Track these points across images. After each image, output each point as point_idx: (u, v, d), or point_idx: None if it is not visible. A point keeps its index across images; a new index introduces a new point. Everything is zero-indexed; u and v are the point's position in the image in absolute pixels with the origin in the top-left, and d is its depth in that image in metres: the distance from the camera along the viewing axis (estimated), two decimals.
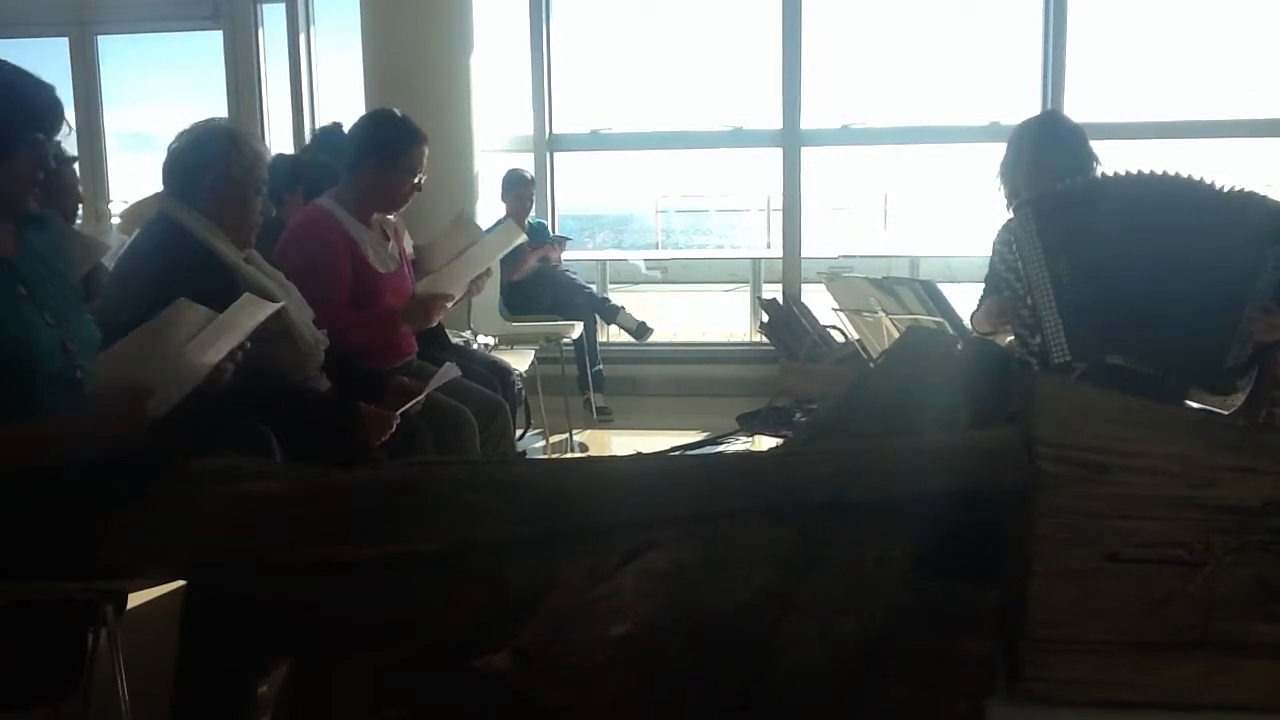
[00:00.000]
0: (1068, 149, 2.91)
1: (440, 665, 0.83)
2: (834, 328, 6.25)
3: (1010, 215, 2.87)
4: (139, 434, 1.92)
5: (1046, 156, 2.90)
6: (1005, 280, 2.85)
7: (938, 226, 14.56)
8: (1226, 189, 2.52)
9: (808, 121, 6.39)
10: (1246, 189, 2.53)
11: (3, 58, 1.98)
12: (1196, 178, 2.55)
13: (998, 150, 3.11)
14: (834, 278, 4.54)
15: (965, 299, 3.38)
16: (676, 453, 1.94)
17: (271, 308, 2.22)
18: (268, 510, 0.91)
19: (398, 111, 3.40)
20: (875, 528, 0.92)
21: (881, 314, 3.68)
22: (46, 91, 1.98)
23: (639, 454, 1.35)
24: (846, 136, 6.80)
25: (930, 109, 10.25)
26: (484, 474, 0.94)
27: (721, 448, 3.62)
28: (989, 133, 6.36)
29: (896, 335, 3.43)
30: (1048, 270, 2.57)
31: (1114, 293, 2.52)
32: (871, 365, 3.84)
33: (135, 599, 2.17)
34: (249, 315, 2.15)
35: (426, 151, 3.28)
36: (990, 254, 3.06)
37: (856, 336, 4.95)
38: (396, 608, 0.88)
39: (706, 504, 0.88)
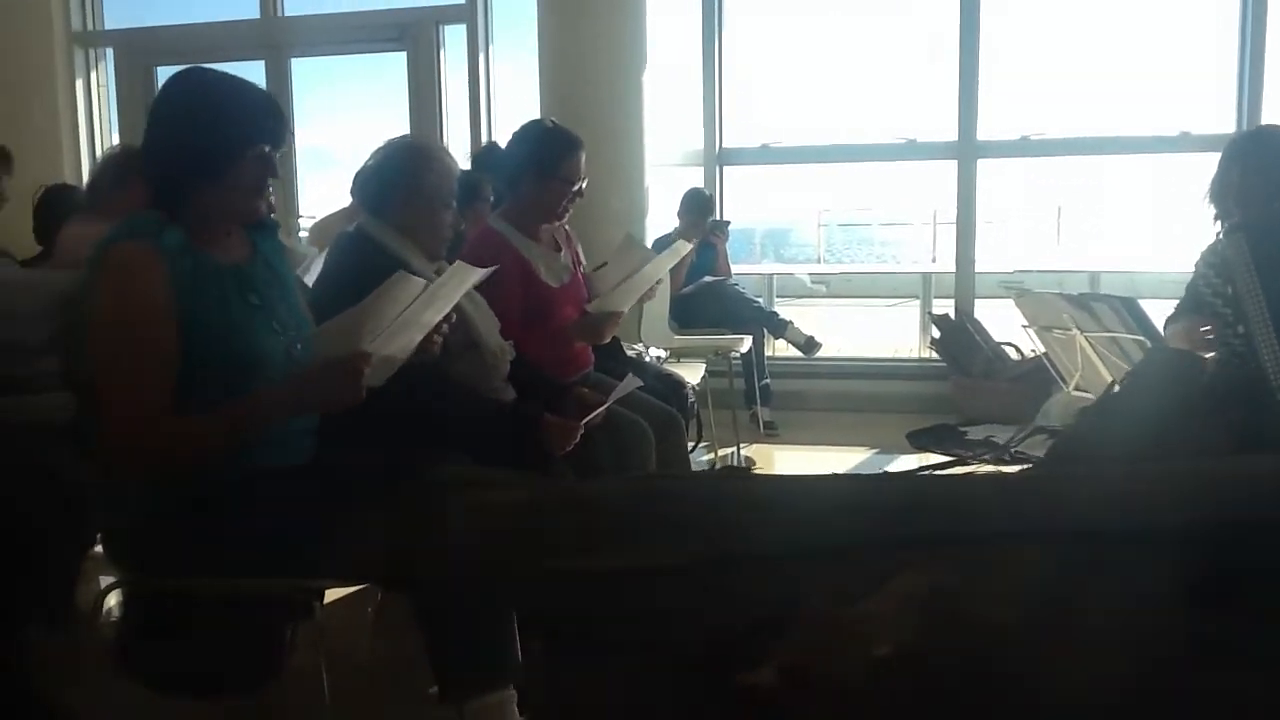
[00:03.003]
0: None
1: (682, 681, 0.82)
2: (1009, 344, 6.04)
3: (1217, 236, 2.71)
4: (358, 401, 1.95)
5: (1259, 175, 2.71)
6: (1210, 304, 2.68)
7: (1117, 239, 13.95)
8: None
9: (983, 133, 6.22)
10: None
11: (226, 70, 2.04)
12: None
13: (1188, 161, 2.96)
14: (1024, 293, 4.37)
15: (1160, 317, 3.22)
16: (925, 473, 1.90)
17: (480, 274, 2.27)
18: (517, 519, 0.91)
19: (551, 121, 3.40)
20: (1145, 558, 0.86)
21: (1076, 331, 3.52)
22: (269, 102, 2.02)
23: (886, 473, 1.32)
24: (1025, 148, 6.59)
25: (1111, 117, 9.79)
26: (733, 489, 0.93)
27: (970, 469, 3.55)
28: (1179, 143, 6.03)
29: (1091, 353, 3.29)
30: (1264, 298, 2.43)
31: None
32: (1101, 389, 3.68)
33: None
34: (459, 282, 2.21)
35: (584, 158, 3.23)
36: (1192, 273, 2.91)
37: (1041, 351, 4.75)
38: (639, 620, 0.88)
39: (954, 526, 0.85)
